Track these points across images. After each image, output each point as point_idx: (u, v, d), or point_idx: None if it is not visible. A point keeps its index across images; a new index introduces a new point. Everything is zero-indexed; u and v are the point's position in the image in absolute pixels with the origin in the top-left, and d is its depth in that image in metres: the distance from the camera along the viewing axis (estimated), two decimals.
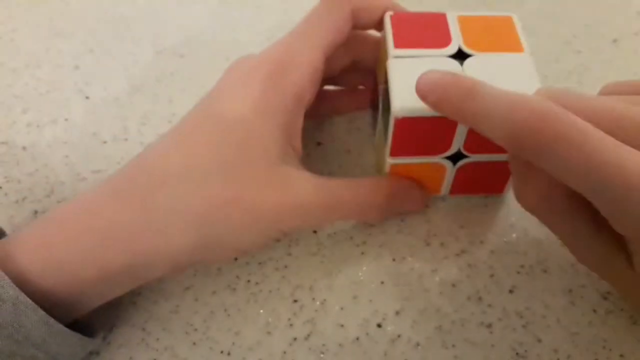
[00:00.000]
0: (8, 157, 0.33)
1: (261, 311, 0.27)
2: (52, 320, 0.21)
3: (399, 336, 0.26)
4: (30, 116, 0.35)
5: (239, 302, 0.27)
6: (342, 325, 0.26)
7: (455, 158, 0.27)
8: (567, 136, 0.18)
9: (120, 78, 0.37)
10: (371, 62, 0.30)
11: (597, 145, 0.18)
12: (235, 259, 0.28)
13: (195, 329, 0.26)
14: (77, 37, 0.39)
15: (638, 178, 0.17)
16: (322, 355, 0.25)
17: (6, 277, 0.20)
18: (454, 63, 0.25)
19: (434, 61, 0.25)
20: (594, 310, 0.26)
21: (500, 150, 0.26)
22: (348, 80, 0.32)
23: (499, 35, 0.26)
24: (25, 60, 0.38)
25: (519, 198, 0.23)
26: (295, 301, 0.27)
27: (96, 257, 0.22)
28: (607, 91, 0.23)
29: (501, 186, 0.29)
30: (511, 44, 0.26)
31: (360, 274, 0.28)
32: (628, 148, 0.18)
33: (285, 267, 0.28)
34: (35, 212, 0.30)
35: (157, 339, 0.26)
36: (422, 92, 0.22)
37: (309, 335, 0.26)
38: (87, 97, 0.36)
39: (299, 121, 0.26)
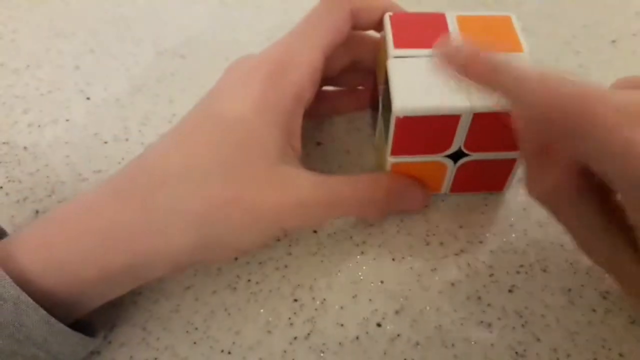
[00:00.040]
0: (9, 157, 0.33)
1: (261, 310, 0.27)
2: (53, 319, 0.21)
3: (398, 335, 0.26)
4: (31, 116, 0.35)
5: (239, 301, 0.27)
6: (342, 325, 0.26)
7: (455, 156, 0.27)
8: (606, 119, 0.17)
9: (121, 78, 0.37)
10: (371, 63, 0.30)
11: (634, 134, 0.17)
12: (236, 258, 0.28)
13: (196, 328, 0.26)
14: (78, 38, 0.39)
15: None
16: (322, 355, 0.25)
17: (7, 277, 0.20)
18: None
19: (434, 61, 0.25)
20: (593, 310, 0.26)
21: (500, 148, 0.27)
22: (348, 81, 0.32)
23: (498, 35, 0.26)
24: (26, 61, 0.38)
25: (530, 188, 0.23)
26: (296, 300, 0.27)
27: (97, 257, 0.22)
28: (620, 86, 0.23)
29: (501, 184, 0.29)
30: (511, 44, 0.26)
31: (360, 273, 0.28)
32: None
33: (286, 266, 0.28)
34: (36, 212, 0.30)
35: (158, 338, 0.26)
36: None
37: (309, 335, 0.26)
38: (87, 98, 0.36)
39: (299, 121, 0.26)
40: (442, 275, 0.27)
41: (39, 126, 0.34)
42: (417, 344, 0.25)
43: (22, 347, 0.20)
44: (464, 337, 0.26)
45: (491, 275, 0.27)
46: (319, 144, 0.33)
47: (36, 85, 0.36)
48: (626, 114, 0.17)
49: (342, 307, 0.27)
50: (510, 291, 0.27)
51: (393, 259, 0.28)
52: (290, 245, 0.29)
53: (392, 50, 0.26)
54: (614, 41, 0.38)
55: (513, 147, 0.26)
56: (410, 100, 0.24)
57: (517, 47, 0.26)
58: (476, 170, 0.28)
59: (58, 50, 0.38)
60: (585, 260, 0.27)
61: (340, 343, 0.26)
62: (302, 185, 0.25)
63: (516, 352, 0.25)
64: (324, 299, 0.27)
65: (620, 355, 0.25)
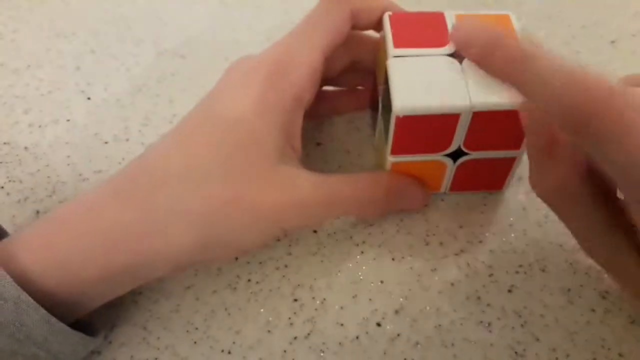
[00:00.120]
0: (10, 157, 0.33)
1: (261, 310, 0.27)
2: (53, 319, 0.21)
3: (398, 335, 0.26)
4: (31, 116, 0.35)
5: (239, 301, 0.27)
6: (342, 324, 0.26)
7: (455, 155, 0.27)
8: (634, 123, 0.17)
9: (122, 78, 0.37)
10: (370, 63, 0.30)
11: None
12: (236, 258, 0.28)
13: (196, 328, 0.26)
14: (78, 38, 0.39)
15: None
16: (322, 354, 0.25)
17: (8, 277, 0.20)
18: (454, 62, 0.25)
19: (434, 60, 0.25)
20: (593, 310, 0.26)
21: (500, 147, 0.27)
22: (347, 81, 0.32)
23: None
24: (26, 61, 0.38)
25: (535, 186, 0.23)
26: (296, 300, 0.27)
27: (97, 257, 0.22)
28: (627, 83, 0.23)
29: (501, 183, 0.29)
30: None
31: (359, 273, 0.28)
32: None
33: (286, 266, 0.28)
34: (37, 212, 0.30)
35: (158, 338, 0.26)
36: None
37: (309, 334, 0.26)
38: (88, 98, 0.36)
39: (299, 121, 0.26)
40: (441, 275, 0.28)
41: (40, 126, 0.34)
42: (417, 343, 0.25)
43: (23, 346, 0.21)
44: (463, 337, 0.26)
45: (490, 275, 0.27)
46: (319, 144, 0.33)
47: (37, 86, 0.36)
48: None
49: (342, 307, 0.27)
50: (509, 291, 0.27)
51: (393, 259, 0.28)
52: (290, 245, 0.29)
53: (391, 50, 0.26)
54: (613, 41, 0.38)
55: (512, 145, 0.26)
56: (410, 99, 0.24)
57: None
58: (476, 169, 0.28)
59: (58, 50, 0.38)
60: (584, 261, 0.27)
61: (340, 343, 0.26)
62: (302, 185, 0.25)
63: (515, 352, 0.25)
64: (324, 299, 0.27)
65: (620, 355, 0.25)
